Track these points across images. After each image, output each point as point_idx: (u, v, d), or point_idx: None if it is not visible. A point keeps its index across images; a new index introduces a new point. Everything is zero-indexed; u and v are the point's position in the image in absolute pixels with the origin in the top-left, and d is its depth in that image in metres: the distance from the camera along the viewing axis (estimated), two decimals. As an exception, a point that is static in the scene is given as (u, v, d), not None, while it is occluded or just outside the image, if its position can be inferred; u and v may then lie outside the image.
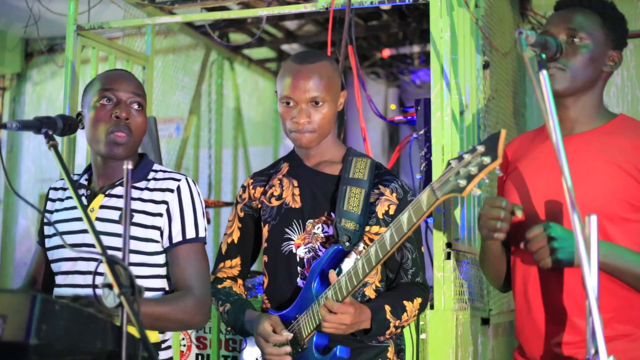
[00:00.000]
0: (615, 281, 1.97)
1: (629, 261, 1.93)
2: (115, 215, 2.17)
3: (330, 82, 2.23)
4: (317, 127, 2.22)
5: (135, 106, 2.20)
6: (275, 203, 2.30)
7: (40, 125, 1.98)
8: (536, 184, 2.08)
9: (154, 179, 2.23)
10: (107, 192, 2.21)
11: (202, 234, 2.22)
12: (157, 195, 2.19)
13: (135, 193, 2.19)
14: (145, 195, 2.19)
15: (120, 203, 2.19)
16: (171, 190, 2.19)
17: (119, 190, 2.21)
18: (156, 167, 2.28)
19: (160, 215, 2.17)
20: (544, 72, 1.72)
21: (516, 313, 2.15)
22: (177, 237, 2.17)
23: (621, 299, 1.98)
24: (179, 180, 2.22)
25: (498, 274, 2.22)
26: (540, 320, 2.06)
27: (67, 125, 2.09)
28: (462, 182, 1.77)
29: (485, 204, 1.96)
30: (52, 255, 2.25)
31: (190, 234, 2.18)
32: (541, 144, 2.13)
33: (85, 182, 2.29)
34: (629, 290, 1.98)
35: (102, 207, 2.19)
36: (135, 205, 2.17)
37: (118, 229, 2.15)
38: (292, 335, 2.14)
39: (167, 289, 2.22)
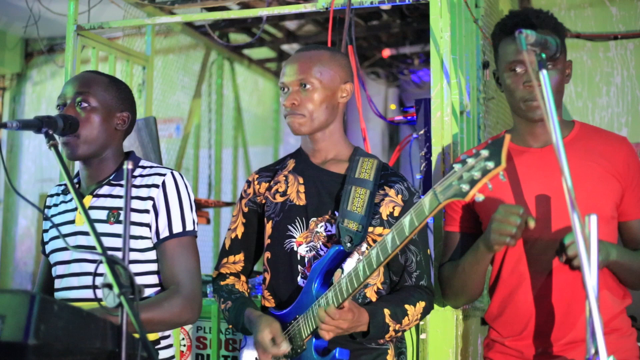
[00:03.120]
0: (606, 284, 2.07)
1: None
2: (103, 215, 2.17)
3: (324, 69, 2.21)
4: (306, 112, 2.20)
5: (82, 104, 2.17)
6: (279, 199, 2.29)
7: (41, 124, 1.97)
8: (524, 197, 2.10)
9: (141, 175, 2.22)
10: (94, 193, 2.21)
11: (189, 227, 2.19)
12: (143, 192, 2.18)
13: (121, 191, 2.18)
14: (132, 192, 2.18)
15: (107, 202, 2.18)
16: (156, 186, 2.18)
17: (105, 189, 2.21)
18: (143, 163, 2.27)
19: (147, 211, 2.16)
20: (544, 71, 1.72)
21: (501, 316, 2.16)
22: (164, 233, 2.16)
23: (608, 303, 2.08)
24: (164, 175, 2.20)
25: (480, 283, 2.21)
26: (533, 320, 2.09)
27: (68, 124, 2.09)
28: (465, 187, 1.76)
29: (501, 209, 1.95)
30: (50, 260, 2.26)
31: (177, 228, 2.17)
32: (515, 158, 2.15)
33: (77, 185, 2.29)
34: (614, 295, 2.10)
35: (90, 207, 2.19)
36: (122, 202, 2.16)
37: (107, 228, 2.15)
38: (290, 347, 2.13)
39: (161, 284, 2.22)
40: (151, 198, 2.17)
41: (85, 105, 2.18)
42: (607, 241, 2.03)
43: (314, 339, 2.14)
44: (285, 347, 2.10)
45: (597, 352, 1.54)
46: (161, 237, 2.16)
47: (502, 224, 1.93)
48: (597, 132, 2.17)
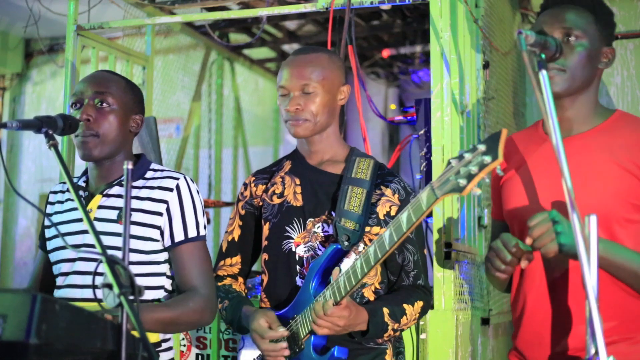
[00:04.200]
0: (618, 284, 1.95)
1: (627, 258, 1.92)
2: (113, 214, 2.18)
3: (325, 73, 2.23)
4: (310, 116, 2.21)
5: (100, 104, 2.19)
6: (276, 201, 2.30)
7: (41, 124, 1.97)
8: (537, 187, 2.07)
9: (153, 177, 2.24)
10: (104, 193, 2.21)
11: (202, 232, 2.22)
12: (156, 194, 2.19)
13: (132, 192, 2.19)
14: (143, 193, 2.20)
15: (117, 202, 2.19)
16: (170, 189, 2.19)
17: (116, 190, 2.21)
18: (154, 166, 2.29)
19: (160, 214, 2.17)
20: (544, 72, 1.72)
21: (516, 317, 2.13)
22: (179, 236, 2.18)
23: (625, 303, 1.96)
24: (177, 178, 2.22)
25: (503, 282, 2.20)
26: (545, 325, 2.02)
27: (68, 124, 2.09)
28: (463, 182, 1.76)
29: (499, 240, 1.93)
30: (52, 257, 2.26)
31: (192, 232, 2.19)
32: (538, 146, 2.11)
33: (84, 184, 2.29)
34: (631, 295, 1.96)
35: (100, 207, 2.19)
36: (133, 203, 2.17)
37: (116, 228, 2.16)
38: (288, 332, 2.14)
39: (166, 286, 2.23)
40: (165, 201, 2.18)
41: (106, 105, 2.19)
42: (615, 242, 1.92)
43: (312, 338, 2.15)
44: (282, 331, 2.11)
45: (597, 352, 1.54)
46: (176, 240, 2.17)
47: (494, 257, 1.93)
48: (634, 125, 2.03)
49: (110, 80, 2.24)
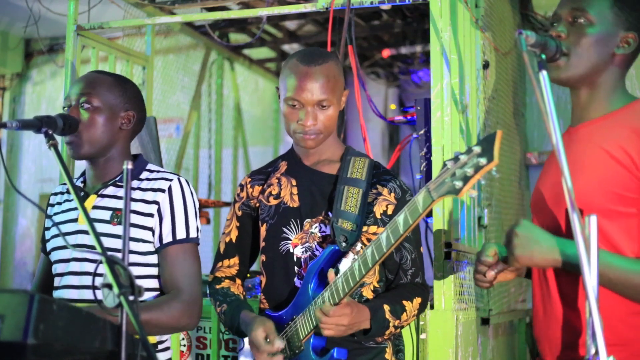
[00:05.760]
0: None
1: (611, 265, 1.78)
2: (106, 215, 2.17)
3: (336, 83, 2.21)
4: (323, 129, 2.21)
5: (85, 105, 2.19)
6: (273, 202, 2.30)
7: (41, 124, 1.98)
8: (545, 183, 2.04)
9: (147, 179, 2.23)
10: (99, 193, 2.21)
11: (193, 234, 2.20)
12: (149, 195, 2.18)
13: None
14: (137, 194, 2.19)
15: (111, 203, 2.19)
16: (162, 191, 2.18)
17: (110, 190, 2.21)
18: (150, 167, 2.28)
19: (152, 215, 2.16)
20: (544, 72, 1.71)
21: (533, 315, 2.08)
22: (167, 238, 2.16)
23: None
24: (170, 180, 2.21)
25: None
26: (553, 324, 1.95)
27: (67, 124, 2.10)
28: (458, 184, 1.76)
29: (477, 254, 2.00)
30: (51, 258, 2.26)
31: (181, 234, 2.17)
32: (564, 136, 2.02)
33: (82, 185, 2.29)
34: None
35: (94, 207, 2.19)
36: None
37: (110, 229, 2.15)
38: (284, 345, 2.13)
39: (161, 288, 2.22)
40: (156, 202, 2.17)
41: (88, 106, 2.19)
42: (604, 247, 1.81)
43: (311, 339, 2.15)
44: (278, 344, 2.10)
45: (597, 352, 1.54)
46: (164, 242, 2.16)
47: (474, 269, 2.01)
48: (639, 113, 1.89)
49: (95, 80, 2.24)
